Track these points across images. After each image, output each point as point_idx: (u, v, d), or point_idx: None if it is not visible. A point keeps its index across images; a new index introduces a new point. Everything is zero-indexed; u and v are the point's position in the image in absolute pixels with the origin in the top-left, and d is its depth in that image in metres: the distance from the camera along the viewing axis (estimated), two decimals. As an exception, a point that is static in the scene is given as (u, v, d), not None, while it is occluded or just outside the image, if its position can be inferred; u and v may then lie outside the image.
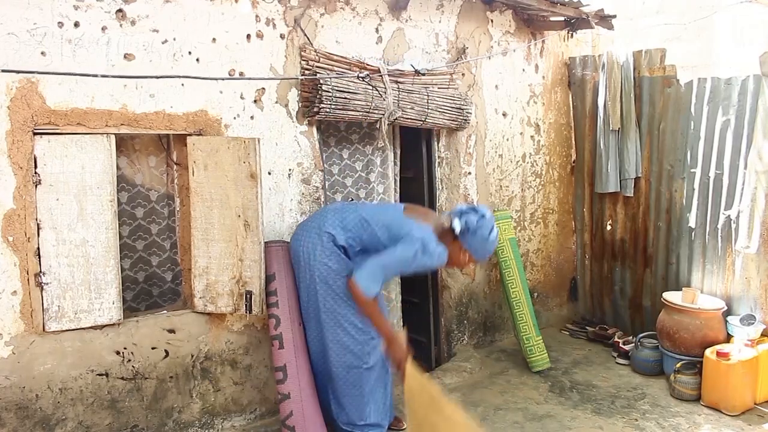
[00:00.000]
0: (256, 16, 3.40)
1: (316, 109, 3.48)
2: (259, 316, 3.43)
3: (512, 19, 4.71)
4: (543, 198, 5.12)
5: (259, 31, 3.41)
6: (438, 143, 4.37)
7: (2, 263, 2.79)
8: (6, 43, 2.72)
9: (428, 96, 3.98)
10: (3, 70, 2.62)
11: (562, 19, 4.71)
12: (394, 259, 2.98)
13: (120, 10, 2.98)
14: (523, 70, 4.86)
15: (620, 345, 4.53)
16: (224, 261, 3.24)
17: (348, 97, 3.53)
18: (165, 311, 3.33)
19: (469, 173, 4.55)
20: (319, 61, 3.57)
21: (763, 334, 3.89)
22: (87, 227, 2.97)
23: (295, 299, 3.29)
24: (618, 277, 4.96)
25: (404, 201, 3.93)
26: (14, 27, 2.73)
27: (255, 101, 3.43)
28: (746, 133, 4.01)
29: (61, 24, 2.83)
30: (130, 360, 3.15)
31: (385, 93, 3.72)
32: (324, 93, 3.43)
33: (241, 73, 3.35)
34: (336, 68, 3.61)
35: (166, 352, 3.26)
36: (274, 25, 3.47)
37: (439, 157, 4.38)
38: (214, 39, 3.26)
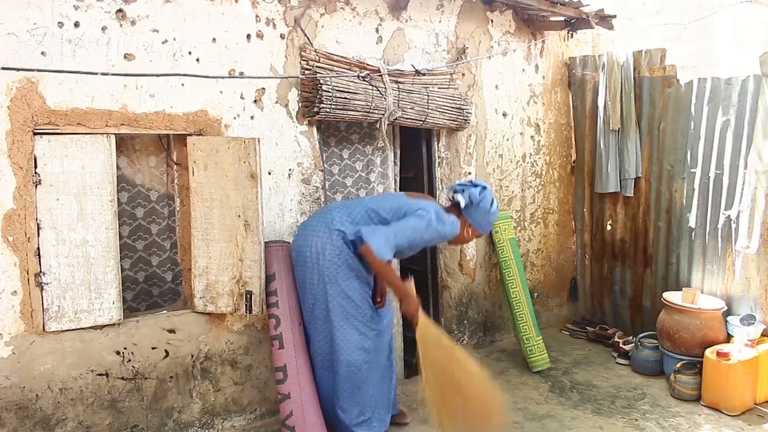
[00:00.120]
0: (256, 16, 3.40)
1: (316, 109, 3.48)
2: (259, 316, 3.43)
3: (512, 19, 4.71)
4: (543, 198, 5.12)
5: (259, 31, 3.41)
6: (438, 143, 4.37)
7: (2, 263, 2.79)
8: (6, 43, 2.72)
9: (428, 96, 3.98)
10: (3, 68, 2.61)
11: (562, 19, 4.71)
12: (408, 226, 3.05)
13: (120, 10, 2.98)
14: (523, 70, 4.86)
15: (620, 345, 4.53)
16: (224, 261, 3.24)
17: (348, 97, 3.53)
18: (165, 311, 3.33)
19: (469, 173, 4.55)
20: (319, 61, 3.57)
21: (763, 334, 3.89)
22: (87, 227, 2.97)
23: (296, 299, 3.29)
24: (618, 277, 4.96)
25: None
26: (14, 27, 2.73)
27: (255, 101, 3.43)
28: (746, 133, 4.01)
29: (61, 24, 2.84)
30: (130, 360, 3.15)
31: (385, 93, 3.72)
32: (324, 93, 3.43)
33: (241, 73, 3.35)
34: (336, 68, 3.61)
35: (166, 352, 3.26)
36: (274, 25, 3.47)
37: (439, 157, 4.39)
38: (214, 39, 3.26)
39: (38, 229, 2.86)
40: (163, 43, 3.11)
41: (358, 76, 3.60)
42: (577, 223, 5.34)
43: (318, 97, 3.45)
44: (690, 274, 4.40)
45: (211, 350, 3.40)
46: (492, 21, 4.58)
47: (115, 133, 3.03)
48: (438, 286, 4.48)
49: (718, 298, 4.17)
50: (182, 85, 3.18)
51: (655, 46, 4.66)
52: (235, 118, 3.37)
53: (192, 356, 3.34)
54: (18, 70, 2.69)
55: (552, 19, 4.77)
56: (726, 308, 4.07)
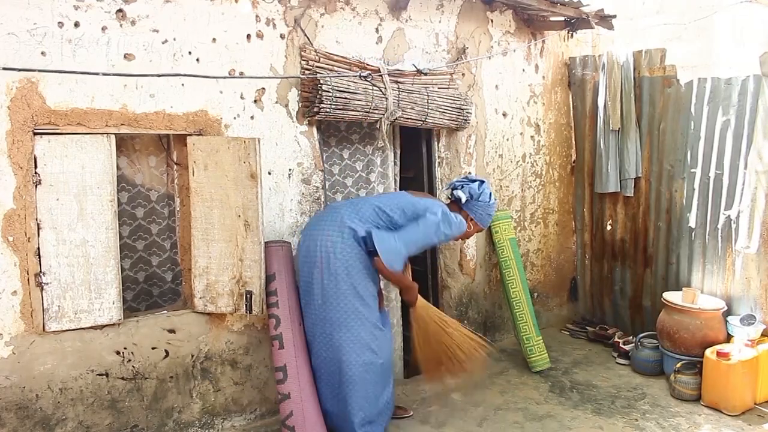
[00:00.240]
0: (256, 16, 3.40)
1: (316, 109, 3.48)
2: (259, 316, 3.43)
3: (512, 19, 4.71)
4: (543, 198, 5.12)
5: (259, 31, 3.41)
6: (438, 143, 4.37)
7: (2, 263, 2.79)
8: (6, 43, 2.72)
9: (428, 96, 3.98)
10: (4, 68, 2.61)
11: (562, 19, 4.71)
12: (417, 234, 3.16)
13: (120, 10, 2.98)
14: (523, 70, 4.86)
15: (620, 345, 4.53)
16: (224, 261, 3.24)
17: (348, 97, 3.53)
18: (165, 311, 3.33)
19: (469, 173, 4.55)
20: (319, 61, 3.57)
21: (763, 334, 3.89)
22: (87, 227, 2.97)
23: (296, 299, 3.29)
24: (618, 277, 4.96)
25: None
26: (14, 27, 2.73)
27: (255, 101, 3.43)
28: (746, 133, 4.01)
29: (61, 24, 2.84)
30: (130, 360, 3.15)
31: (386, 93, 3.72)
32: (324, 93, 3.43)
33: (241, 73, 3.35)
34: (336, 68, 3.61)
35: (166, 352, 3.26)
36: (274, 25, 3.47)
37: (439, 157, 4.38)
38: (214, 39, 3.26)
39: (38, 229, 2.86)
40: (163, 43, 3.11)
41: (360, 76, 3.60)
42: (577, 223, 5.34)
43: (318, 97, 3.45)
44: (690, 274, 4.40)
45: (211, 350, 3.40)
46: (492, 21, 4.58)
47: (115, 133, 3.03)
48: (438, 286, 4.48)
49: (718, 298, 4.17)
50: (182, 85, 3.18)
51: (655, 46, 4.66)
52: (235, 118, 3.37)
53: (192, 356, 3.34)
54: (19, 70, 2.69)
55: (552, 19, 4.77)
56: (726, 308, 4.07)
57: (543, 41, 4.94)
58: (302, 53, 3.55)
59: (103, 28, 2.94)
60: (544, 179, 5.11)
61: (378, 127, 3.80)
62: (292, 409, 3.18)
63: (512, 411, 3.75)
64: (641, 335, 4.37)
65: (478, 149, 4.60)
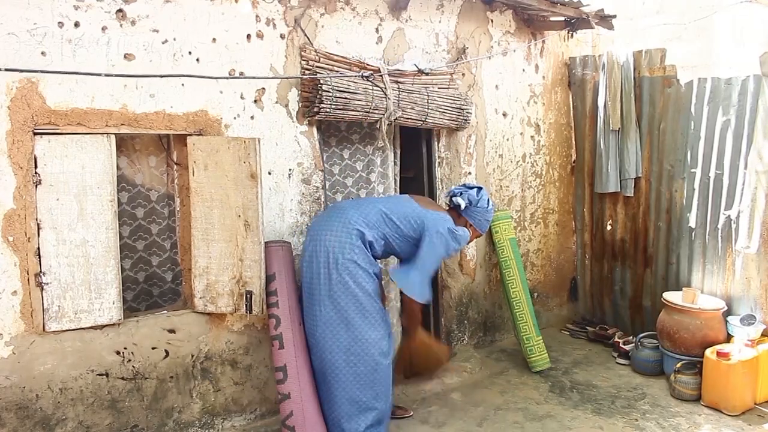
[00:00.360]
0: (256, 16, 3.40)
1: (316, 109, 3.48)
2: (259, 316, 3.43)
3: (512, 19, 4.71)
4: (543, 198, 5.12)
5: (259, 31, 3.41)
6: (438, 143, 4.37)
7: (2, 263, 2.79)
8: (6, 43, 2.72)
9: (428, 96, 3.98)
10: (5, 69, 2.61)
11: (562, 19, 4.71)
12: (432, 257, 3.28)
13: (120, 10, 2.98)
14: (523, 70, 4.86)
15: (620, 345, 4.53)
16: (224, 261, 3.24)
17: (348, 97, 3.53)
18: (165, 311, 3.33)
19: (469, 173, 4.55)
20: (319, 61, 3.57)
21: (763, 334, 3.89)
22: (87, 227, 2.97)
23: (296, 299, 3.29)
24: (618, 277, 4.96)
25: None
26: (14, 27, 2.73)
27: (255, 101, 3.43)
28: (746, 133, 4.01)
29: (61, 24, 2.83)
30: (130, 360, 3.15)
31: (386, 93, 3.72)
32: (324, 93, 3.43)
33: (241, 73, 3.35)
34: (336, 68, 3.61)
35: (167, 352, 3.26)
36: (274, 25, 3.47)
37: (439, 157, 4.38)
38: (214, 39, 3.26)
39: (38, 229, 2.86)
40: (163, 43, 3.11)
41: (361, 76, 3.60)
42: (577, 223, 5.34)
43: (318, 97, 3.45)
44: (690, 274, 4.40)
45: (211, 350, 3.40)
46: (492, 21, 4.58)
47: (115, 133, 3.03)
48: (438, 286, 4.47)
49: (718, 298, 4.18)
50: (182, 85, 3.18)
51: (655, 46, 4.66)
52: (235, 118, 3.37)
53: (192, 356, 3.34)
54: (20, 71, 2.69)
55: (552, 19, 4.77)
56: (726, 308, 4.07)
57: (543, 41, 4.94)
58: (302, 53, 3.55)
59: (103, 28, 2.94)
60: (544, 179, 5.11)
61: (378, 127, 3.80)
62: (292, 409, 3.18)
63: (512, 411, 3.75)
64: (641, 335, 4.37)
65: (478, 149, 4.60)
